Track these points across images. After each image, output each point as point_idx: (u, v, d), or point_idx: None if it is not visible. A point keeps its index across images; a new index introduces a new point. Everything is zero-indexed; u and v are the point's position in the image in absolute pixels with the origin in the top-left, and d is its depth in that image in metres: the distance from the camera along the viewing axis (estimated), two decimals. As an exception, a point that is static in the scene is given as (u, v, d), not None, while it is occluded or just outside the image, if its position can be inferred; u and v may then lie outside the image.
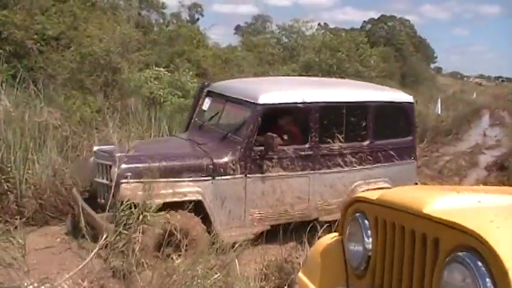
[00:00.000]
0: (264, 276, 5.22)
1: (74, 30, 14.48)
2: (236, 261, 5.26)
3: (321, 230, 5.69)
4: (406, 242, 2.35)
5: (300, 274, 3.21)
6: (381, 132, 7.39)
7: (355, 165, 7.10)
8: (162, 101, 12.14)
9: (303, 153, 6.75)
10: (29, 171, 7.61)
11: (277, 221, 6.64)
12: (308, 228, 6.06)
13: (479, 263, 1.91)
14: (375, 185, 7.03)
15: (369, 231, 2.68)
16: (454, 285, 2.00)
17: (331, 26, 52.83)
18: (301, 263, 5.12)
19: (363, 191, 6.69)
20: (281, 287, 5.08)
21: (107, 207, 5.70)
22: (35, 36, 13.54)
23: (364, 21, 62.94)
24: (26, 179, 7.46)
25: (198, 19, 34.59)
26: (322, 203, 6.95)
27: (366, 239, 2.68)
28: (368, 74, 23.53)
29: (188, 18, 31.34)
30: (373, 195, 2.73)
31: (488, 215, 2.12)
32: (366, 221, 2.71)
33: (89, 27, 13.97)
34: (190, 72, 14.29)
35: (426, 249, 2.23)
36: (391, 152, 7.42)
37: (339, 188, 7.03)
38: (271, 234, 6.51)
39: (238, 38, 39.80)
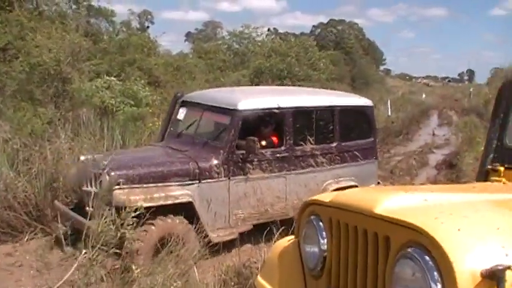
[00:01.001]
0: (223, 282, 5.26)
1: (21, 40, 14.23)
2: (195, 268, 5.30)
3: (277, 234, 5.80)
4: (359, 241, 2.45)
5: (259, 277, 3.28)
6: (346, 134, 7.95)
7: (325, 165, 7.58)
8: (114, 110, 12.03)
9: (279, 155, 7.19)
10: (-21, 187, 7.46)
11: (259, 220, 7.01)
12: (265, 233, 6.17)
13: (427, 258, 2.02)
14: (344, 184, 7.49)
15: (324, 233, 2.77)
16: (405, 279, 2.10)
17: (281, 31, 53.34)
18: (259, 267, 5.19)
19: (333, 189, 7.06)
20: (240, 292, 5.14)
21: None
22: (-19, 47, 13.26)
23: (314, 25, 63.82)
24: (-24, 194, 7.31)
25: (148, 27, 34.44)
26: (298, 202, 7.19)
27: (321, 240, 2.77)
28: (318, 77, 23.83)
29: (138, 26, 31.12)
30: (326, 198, 2.82)
31: (433, 212, 2.25)
32: (321, 223, 2.80)
33: (37, 37, 13.76)
34: (142, 81, 14.24)
35: (378, 247, 2.34)
36: (356, 153, 7.95)
37: (312, 187, 7.36)
38: (229, 241, 6.64)
39: (189, 45, 39.74)
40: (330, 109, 7.73)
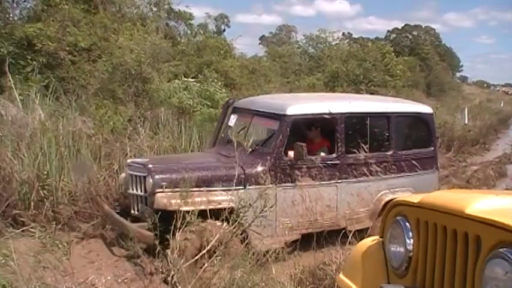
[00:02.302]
0: (298, 282, 5.32)
1: (105, 41, 14.76)
2: (272, 266, 5.37)
3: (350, 236, 5.80)
4: (448, 241, 2.48)
5: (341, 275, 3.33)
6: (403, 142, 7.68)
7: (380, 174, 7.27)
8: (191, 110, 12.27)
9: (330, 162, 6.93)
10: (64, 179, 7.80)
11: (308, 229, 6.76)
12: (340, 236, 6.17)
13: None
14: (400, 194, 6.98)
15: (410, 233, 2.80)
16: (496, 279, 2.11)
17: (355, 35, 52.83)
18: (334, 269, 5.22)
19: (388, 200, 6.72)
20: (315, 292, 5.19)
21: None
22: (67, 48, 13.81)
23: (388, 30, 62.96)
24: (61, 186, 7.65)
25: (224, 30, 34.91)
26: (350, 212, 7.09)
27: (407, 240, 2.80)
28: (394, 83, 23.56)
29: (215, 29, 31.62)
30: (414, 199, 2.84)
31: (526, 214, 2.24)
32: (407, 224, 2.83)
33: (120, 38, 14.25)
34: (219, 83, 14.45)
35: (468, 247, 2.35)
36: (414, 162, 7.57)
37: (366, 197, 7.18)
38: (304, 242, 6.60)
39: (263, 48, 39.96)
40: (385, 115, 7.45)
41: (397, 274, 2.89)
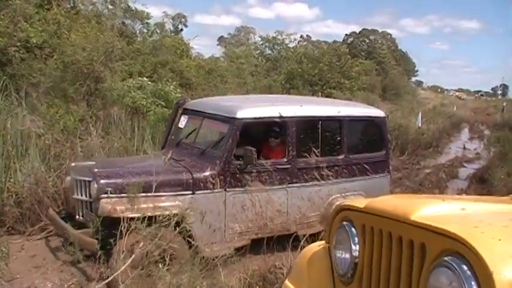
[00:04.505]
0: (248, 286, 5.25)
1: (57, 38, 14.40)
2: (220, 270, 5.29)
3: (303, 240, 5.75)
4: (393, 248, 2.42)
5: (287, 281, 3.26)
6: (355, 146, 7.64)
7: (331, 178, 7.20)
8: (145, 110, 12.10)
9: (280, 166, 6.84)
10: (11, 180, 7.57)
11: (258, 235, 6.64)
12: (291, 239, 6.12)
13: (465, 267, 1.98)
14: (351, 198, 7.01)
15: (356, 239, 2.74)
16: None
17: (313, 38, 53.35)
18: (284, 273, 5.17)
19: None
20: (265, 296, 5.13)
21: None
22: (18, 43, 13.41)
23: (346, 34, 63.75)
24: (7, 187, 7.42)
25: (181, 30, 34.68)
26: (301, 217, 7.02)
27: (353, 247, 2.74)
28: (350, 85, 23.75)
29: (172, 28, 31.38)
30: (360, 204, 2.78)
31: (472, 221, 2.21)
32: (353, 229, 2.77)
33: (73, 36, 13.93)
34: (174, 82, 14.28)
35: (413, 254, 2.30)
36: (366, 166, 7.57)
37: (316, 201, 7.11)
38: (255, 246, 6.54)
39: (221, 49, 39.91)
40: (337, 119, 7.43)
41: (343, 281, 2.83)
